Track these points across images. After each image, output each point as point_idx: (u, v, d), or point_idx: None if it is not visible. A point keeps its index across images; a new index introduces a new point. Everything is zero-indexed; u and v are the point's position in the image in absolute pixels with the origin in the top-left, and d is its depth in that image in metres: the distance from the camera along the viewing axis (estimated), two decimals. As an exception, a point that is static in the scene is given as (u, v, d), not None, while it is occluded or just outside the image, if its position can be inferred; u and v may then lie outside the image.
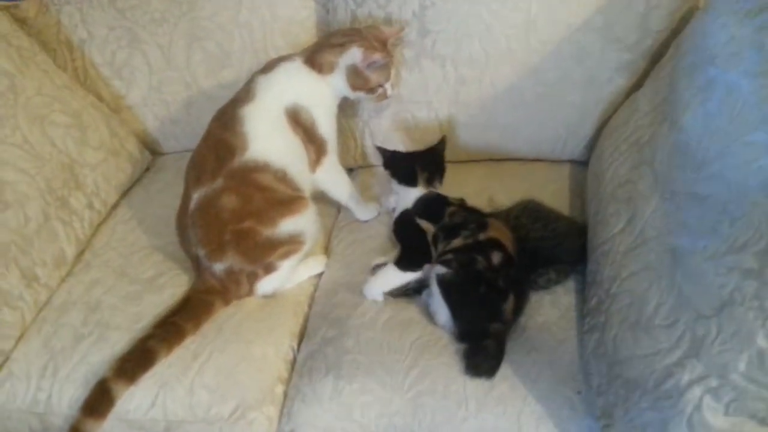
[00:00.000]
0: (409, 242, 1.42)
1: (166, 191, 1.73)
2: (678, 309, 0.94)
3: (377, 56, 1.41)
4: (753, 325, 0.81)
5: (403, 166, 1.50)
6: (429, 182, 1.48)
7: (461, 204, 1.45)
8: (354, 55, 1.42)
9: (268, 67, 1.46)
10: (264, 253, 1.37)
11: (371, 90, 1.48)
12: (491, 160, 1.72)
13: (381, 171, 1.57)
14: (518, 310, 1.27)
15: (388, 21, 1.53)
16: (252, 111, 1.38)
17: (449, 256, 1.28)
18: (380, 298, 1.37)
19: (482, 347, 1.22)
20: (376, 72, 1.45)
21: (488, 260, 1.25)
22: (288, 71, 1.45)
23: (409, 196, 1.47)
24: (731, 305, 0.85)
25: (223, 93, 1.70)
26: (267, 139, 1.37)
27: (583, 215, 1.47)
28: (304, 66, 1.45)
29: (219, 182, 1.33)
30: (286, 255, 1.39)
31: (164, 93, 1.79)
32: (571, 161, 1.68)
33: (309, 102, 1.44)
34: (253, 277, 1.39)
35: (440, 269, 1.27)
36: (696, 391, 0.87)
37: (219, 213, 1.33)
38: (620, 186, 1.23)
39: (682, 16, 1.42)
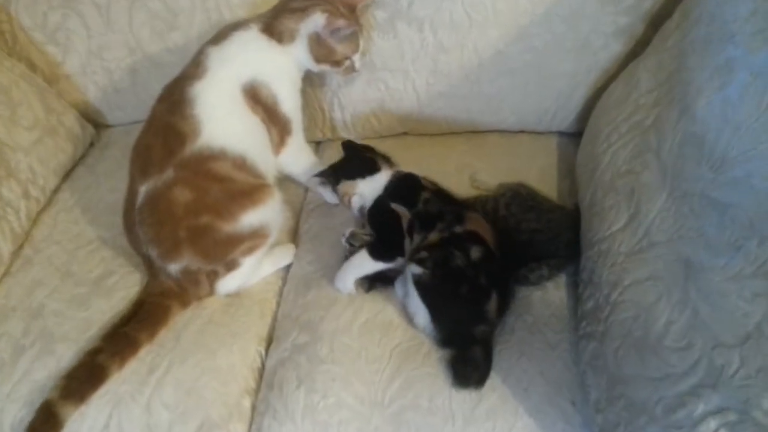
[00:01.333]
0: (384, 230, 1.28)
1: (114, 172, 1.56)
2: (693, 331, 0.84)
3: (342, 23, 1.25)
4: (785, 363, 0.71)
5: (356, 160, 1.35)
6: (388, 162, 1.35)
7: (436, 188, 1.31)
8: (316, 21, 1.26)
9: (220, 37, 1.28)
10: (224, 251, 1.23)
11: (337, 62, 1.32)
12: (473, 132, 1.59)
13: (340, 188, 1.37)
14: (503, 308, 1.17)
15: (357, -23, 1.35)
16: (203, 90, 1.22)
17: (424, 254, 1.16)
18: (353, 290, 1.25)
19: (469, 355, 1.12)
20: (342, 42, 1.29)
21: (467, 256, 1.14)
22: (243, 42, 1.27)
23: (377, 183, 1.31)
24: (758, 337, 0.75)
25: (172, 58, 1.54)
26: (222, 123, 1.22)
27: (573, 197, 1.36)
28: (261, 35, 1.28)
29: (169, 174, 1.17)
30: (249, 251, 1.26)
31: (105, 59, 1.59)
32: (559, 132, 1.55)
33: (269, 77, 1.28)
34: (213, 276, 1.26)
35: (416, 269, 1.15)
36: (711, 424, 0.79)
37: (171, 208, 1.18)
38: (620, 175, 1.11)
39: (685, -26, 1.27)
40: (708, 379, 0.80)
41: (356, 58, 1.34)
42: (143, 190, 1.20)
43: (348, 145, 1.39)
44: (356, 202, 1.32)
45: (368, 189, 1.31)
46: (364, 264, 1.25)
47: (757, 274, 0.76)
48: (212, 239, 1.21)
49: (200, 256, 1.22)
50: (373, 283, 1.27)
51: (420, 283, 1.15)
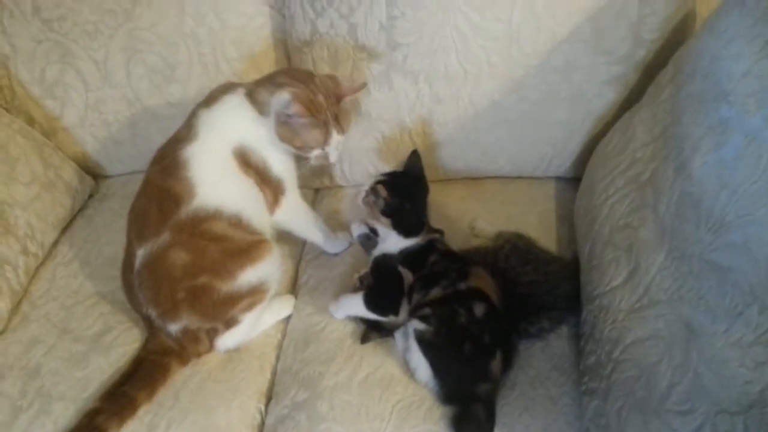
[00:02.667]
0: (383, 285, 1.28)
1: (113, 224, 1.56)
2: (695, 396, 0.83)
3: (299, 109, 1.17)
4: (789, 433, 0.71)
5: (412, 218, 1.29)
6: (427, 231, 1.32)
7: (445, 249, 1.30)
8: (281, 99, 1.19)
9: (211, 100, 1.26)
10: (223, 309, 1.22)
11: (299, 149, 1.25)
12: (470, 178, 1.58)
13: (361, 204, 1.33)
14: (506, 366, 1.16)
15: (352, 32, 1.36)
16: (196, 152, 1.21)
17: (427, 310, 1.15)
18: (343, 317, 1.29)
19: (471, 413, 1.10)
20: (302, 130, 1.22)
21: (470, 312, 1.13)
22: (231, 107, 1.24)
23: (400, 243, 1.29)
24: (762, 406, 0.74)
25: (171, 111, 1.56)
26: (216, 184, 1.21)
27: (572, 243, 1.35)
28: (246, 101, 1.24)
29: (165, 237, 1.16)
30: (249, 307, 1.25)
31: (103, 112, 1.59)
32: (557, 177, 1.55)
33: (256, 143, 1.26)
34: (213, 333, 1.25)
35: (419, 325, 1.14)
36: (716, 490, 0.77)
37: (168, 271, 1.17)
38: (618, 230, 1.11)
39: (677, 25, 1.29)
40: (712, 445, 0.79)
41: (330, 150, 1.28)
42: (141, 253, 1.18)
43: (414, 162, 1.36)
44: (356, 229, 1.38)
45: (389, 239, 1.30)
46: (357, 307, 1.25)
47: (759, 341, 0.76)
48: (210, 299, 1.20)
49: (199, 315, 1.21)
50: (369, 333, 1.26)
51: (423, 340, 1.13)
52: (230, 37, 1.49)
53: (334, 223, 1.53)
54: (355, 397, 1.17)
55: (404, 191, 1.29)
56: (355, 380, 1.19)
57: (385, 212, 1.28)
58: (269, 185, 1.30)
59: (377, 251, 1.33)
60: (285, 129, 1.22)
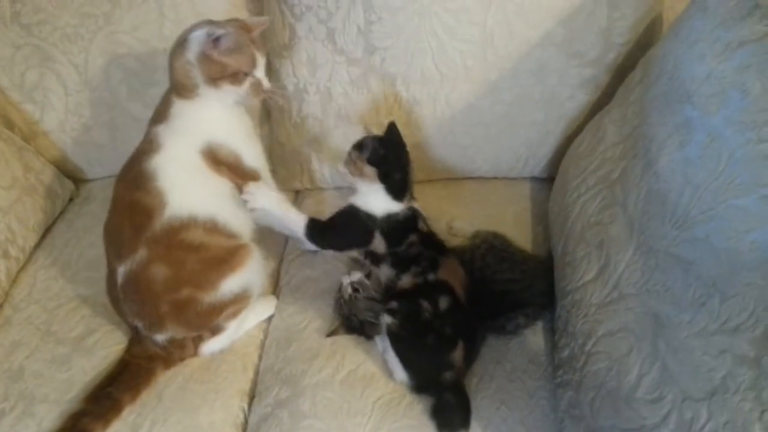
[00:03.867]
0: (341, 225, 1.30)
1: (94, 228, 1.54)
2: (663, 384, 0.87)
3: (221, 30, 1.15)
4: (749, 417, 0.74)
5: (398, 173, 1.29)
6: (411, 197, 1.34)
7: (426, 233, 1.31)
8: (197, 39, 1.17)
9: (161, 117, 1.25)
10: (208, 319, 1.24)
11: (234, 79, 1.20)
12: (449, 179, 1.62)
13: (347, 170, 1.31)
14: (471, 355, 1.20)
15: (331, 36, 1.38)
16: (162, 162, 1.19)
17: (394, 304, 1.19)
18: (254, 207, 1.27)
19: (443, 402, 1.14)
20: (231, 54, 1.18)
21: (435, 306, 1.17)
22: (181, 115, 1.23)
23: (385, 204, 1.28)
24: (724, 392, 0.78)
25: (151, 113, 1.53)
26: (187, 189, 1.19)
27: (547, 242, 1.39)
28: (182, 101, 1.23)
29: (142, 253, 1.15)
30: (233, 315, 1.27)
31: (83, 116, 1.60)
32: (532, 178, 1.59)
33: (222, 136, 1.25)
34: (198, 340, 1.26)
35: (387, 318, 1.18)
36: (684, 475, 0.81)
37: (150, 286, 1.17)
38: (589, 227, 1.14)
39: (645, 28, 1.34)
40: (679, 431, 0.83)
41: (260, 75, 1.25)
42: (121, 270, 1.18)
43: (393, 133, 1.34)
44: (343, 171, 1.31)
45: (374, 198, 1.29)
46: (294, 224, 1.30)
47: (720, 331, 0.79)
48: (194, 311, 1.20)
49: (184, 327, 1.22)
50: (337, 329, 1.29)
51: (391, 333, 1.18)
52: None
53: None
54: (337, 394, 1.19)
55: (389, 148, 1.29)
56: (337, 378, 1.21)
57: (371, 160, 1.26)
58: (245, 178, 1.28)
59: (355, 201, 1.30)
60: (212, 65, 1.18)
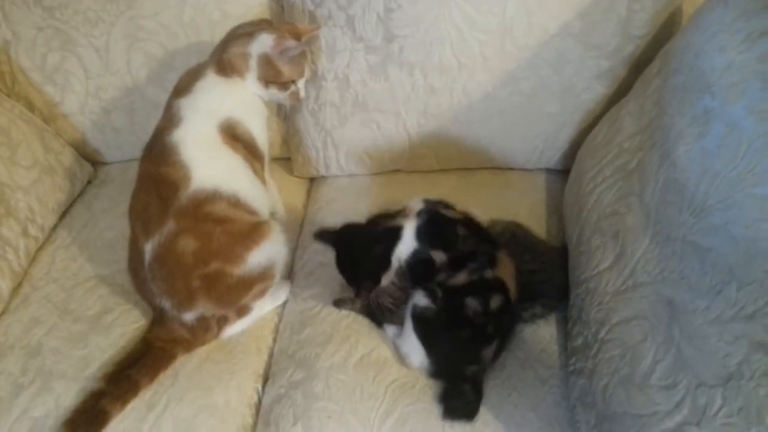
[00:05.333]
0: (420, 277, 1.20)
1: (112, 210, 1.59)
2: (677, 371, 0.88)
3: (291, 43, 1.27)
4: (764, 402, 0.75)
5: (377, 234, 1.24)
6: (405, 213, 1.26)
7: (465, 217, 1.26)
8: (264, 41, 1.28)
9: (183, 90, 1.28)
10: (237, 295, 1.25)
11: (284, 85, 1.33)
12: (463, 169, 1.62)
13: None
14: (499, 352, 1.19)
15: (350, 23, 1.39)
16: (183, 136, 1.23)
17: (438, 291, 1.15)
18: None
19: (458, 390, 1.14)
20: (290, 63, 1.31)
21: (485, 304, 1.13)
22: (206, 90, 1.28)
23: (407, 239, 1.21)
24: (738, 378, 0.78)
25: None
26: (209, 164, 1.22)
27: (561, 233, 1.40)
28: (218, 77, 1.29)
29: (170, 226, 1.17)
30: (261, 293, 1.29)
31: (103, 99, 1.62)
32: (547, 169, 1.60)
33: (241, 115, 1.30)
34: (223, 322, 1.28)
35: (422, 300, 1.15)
36: (696, 461, 0.82)
37: (180, 260, 1.18)
38: (605, 217, 1.15)
39: (664, 21, 1.33)
40: (692, 417, 0.83)
41: (301, 85, 1.37)
42: (149, 248, 1.19)
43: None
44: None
45: (402, 252, 1.21)
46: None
47: (736, 317, 0.80)
48: (225, 285, 1.21)
49: (215, 302, 1.22)
50: (344, 300, 1.31)
51: (422, 316, 1.15)
52: (229, 26, 1.49)
53: (329, 212, 1.57)
54: (351, 377, 1.20)
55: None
56: (351, 361, 1.22)
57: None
58: (257, 158, 1.33)
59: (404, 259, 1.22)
60: (269, 69, 1.30)
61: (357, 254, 1.24)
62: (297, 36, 1.31)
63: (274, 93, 1.34)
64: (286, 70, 1.31)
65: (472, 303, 1.13)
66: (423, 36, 1.37)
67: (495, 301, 1.14)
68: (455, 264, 1.18)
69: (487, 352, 1.15)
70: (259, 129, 1.34)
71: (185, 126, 1.23)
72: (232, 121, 1.27)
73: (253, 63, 1.29)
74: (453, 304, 1.14)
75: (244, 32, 1.30)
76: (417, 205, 1.26)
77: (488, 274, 1.16)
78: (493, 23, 1.34)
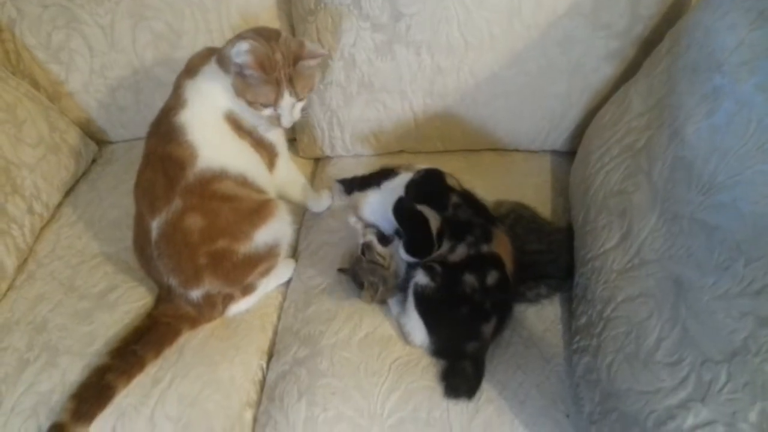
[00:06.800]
0: (412, 230, 1.19)
1: (116, 188, 1.59)
2: (682, 347, 0.88)
3: (249, 61, 1.15)
4: (769, 377, 0.75)
5: (377, 173, 1.36)
6: (408, 168, 1.35)
7: (462, 190, 1.29)
8: (238, 48, 1.15)
9: (192, 71, 1.27)
10: (244, 273, 1.26)
11: (251, 104, 1.22)
12: (468, 150, 1.62)
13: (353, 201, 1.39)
14: (499, 329, 1.20)
15: (357, 2, 1.38)
16: (190, 117, 1.22)
17: (437, 267, 1.16)
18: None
19: (459, 368, 1.15)
20: (255, 84, 1.19)
21: (482, 279, 1.14)
22: (210, 77, 1.25)
23: (395, 186, 1.28)
24: (744, 353, 0.78)
25: (175, 77, 1.56)
26: (216, 145, 1.22)
27: (566, 215, 1.39)
28: (218, 68, 1.25)
29: (177, 203, 1.17)
30: (266, 272, 1.29)
31: (108, 78, 1.62)
32: (553, 151, 1.59)
33: (242, 109, 1.26)
34: (228, 300, 1.28)
35: (422, 278, 1.16)
36: (700, 437, 0.82)
37: (186, 237, 1.18)
38: (612, 195, 1.15)
39: (673, 2, 1.32)
40: (697, 393, 0.83)
41: (282, 112, 1.24)
42: (155, 225, 1.19)
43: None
44: (352, 220, 1.34)
45: (385, 196, 1.26)
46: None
47: (743, 293, 0.80)
48: (231, 262, 1.21)
49: (221, 280, 1.23)
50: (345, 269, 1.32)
51: (423, 294, 1.16)
52: (236, 5, 1.51)
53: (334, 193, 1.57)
54: (355, 355, 1.20)
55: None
56: (355, 339, 1.23)
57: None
58: (264, 149, 1.32)
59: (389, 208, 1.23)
60: (239, 81, 1.19)
61: (362, 181, 1.42)
62: (293, 55, 1.20)
63: (245, 108, 1.24)
64: (248, 91, 1.20)
65: (469, 279, 1.14)
66: (430, 14, 1.36)
67: (491, 277, 1.14)
68: (454, 232, 1.19)
69: (486, 329, 1.15)
70: (261, 122, 1.30)
71: (191, 109, 1.23)
72: (234, 113, 1.26)
73: (231, 68, 1.20)
74: (452, 281, 1.14)
75: (240, 35, 1.22)
76: (423, 165, 1.32)
77: (484, 248, 1.17)
78: (502, 2, 1.33)
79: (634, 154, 1.12)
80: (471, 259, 1.16)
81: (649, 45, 1.32)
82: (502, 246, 1.19)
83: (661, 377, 0.90)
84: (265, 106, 1.22)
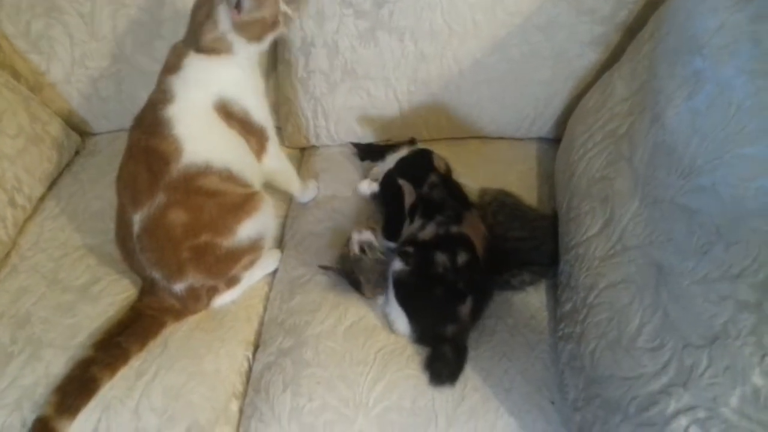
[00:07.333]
0: (390, 207, 1.34)
1: (99, 180, 1.57)
2: (663, 332, 0.88)
3: None
4: (749, 361, 0.75)
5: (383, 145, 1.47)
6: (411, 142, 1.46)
7: (446, 171, 1.34)
8: (222, 12, 1.19)
9: (173, 67, 1.24)
10: (227, 267, 1.25)
11: (274, 26, 1.25)
12: (453, 138, 1.61)
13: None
14: (478, 311, 1.20)
15: (340, -10, 1.37)
16: (177, 111, 1.20)
17: (410, 248, 1.19)
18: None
19: (440, 353, 1.15)
20: (260, 8, 1.20)
21: (452, 259, 1.16)
22: (194, 67, 1.23)
23: (391, 160, 1.41)
24: (725, 338, 0.78)
25: (157, 67, 1.50)
26: (202, 138, 1.20)
27: (552, 202, 1.39)
28: (202, 56, 1.23)
29: (160, 198, 1.16)
30: (249, 265, 1.29)
31: (90, 68, 1.60)
32: (538, 138, 1.59)
33: (233, 92, 1.26)
34: (213, 292, 1.28)
35: (398, 264, 1.18)
36: (682, 422, 0.82)
37: (169, 232, 1.17)
38: (595, 182, 1.15)
39: (658, -14, 1.31)
40: (678, 378, 0.83)
41: (284, 7, 1.26)
42: (137, 218, 1.17)
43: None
44: (363, 186, 1.43)
45: (383, 168, 1.40)
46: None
47: (723, 277, 0.80)
48: (214, 256, 1.21)
49: (204, 273, 1.22)
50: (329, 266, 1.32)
51: (399, 280, 1.18)
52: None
53: (321, 183, 1.57)
54: (340, 344, 1.20)
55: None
56: (340, 328, 1.23)
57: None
58: (254, 134, 1.31)
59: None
60: (250, 27, 1.21)
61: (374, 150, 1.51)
62: None
63: (271, 36, 1.27)
64: (262, 14, 1.22)
65: (440, 258, 1.16)
66: (413, 1, 1.35)
67: (462, 257, 1.16)
68: (426, 211, 1.24)
69: (463, 310, 1.15)
70: (255, 105, 1.30)
71: (178, 103, 1.21)
72: (225, 100, 1.24)
73: (233, 38, 1.22)
74: (423, 260, 1.16)
75: (202, 15, 1.23)
76: (419, 145, 1.47)
77: (453, 229, 1.19)
78: (485, -12, 1.32)
79: (617, 140, 1.12)
80: (440, 239, 1.19)
81: (633, 30, 1.32)
82: (473, 229, 1.21)
83: (643, 363, 0.90)
84: (277, 14, 1.24)
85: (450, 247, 1.18)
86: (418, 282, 1.16)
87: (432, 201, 1.25)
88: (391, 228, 1.31)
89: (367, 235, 1.29)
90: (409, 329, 1.18)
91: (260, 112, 1.32)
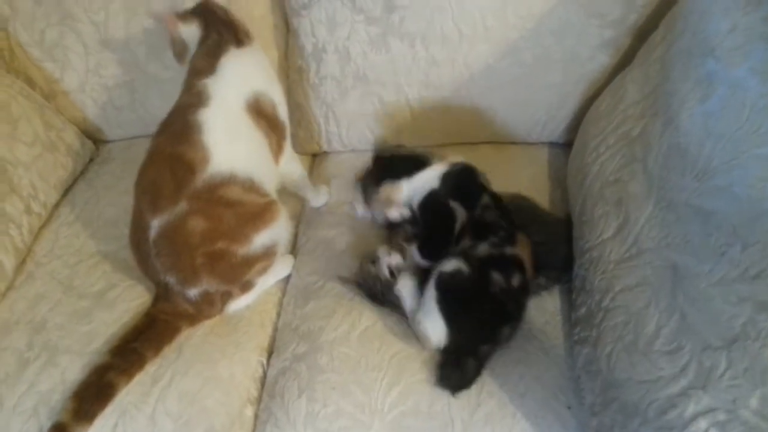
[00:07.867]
0: (437, 227, 1.23)
1: (114, 187, 1.58)
2: (681, 335, 0.88)
3: None
4: (769, 363, 0.75)
5: (398, 160, 1.35)
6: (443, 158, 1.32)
7: (491, 191, 1.27)
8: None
9: (207, 69, 1.25)
10: (241, 273, 1.25)
11: None
12: (465, 143, 1.61)
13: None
14: (512, 335, 1.17)
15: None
16: (211, 116, 1.20)
17: (470, 253, 1.16)
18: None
19: (461, 363, 1.13)
20: None
21: (507, 280, 1.13)
22: (235, 64, 1.26)
23: (429, 177, 1.27)
24: (744, 339, 0.78)
25: (170, 74, 1.56)
26: (230, 146, 1.20)
27: (564, 207, 1.39)
28: (238, 50, 1.28)
29: (182, 206, 1.15)
30: (263, 270, 1.29)
31: (103, 76, 1.61)
32: (550, 143, 1.59)
33: (264, 84, 1.29)
34: (227, 297, 1.28)
35: (451, 264, 1.13)
36: (702, 424, 0.82)
37: (187, 239, 1.17)
38: (608, 185, 1.14)
39: (667, -10, 1.31)
40: (697, 381, 0.83)
41: None
42: (156, 224, 1.17)
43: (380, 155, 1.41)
44: (395, 213, 1.30)
45: (417, 186, 1.27)
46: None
47: (741, 278, 0.79)
48: (229, 263, 1.21)
49: (218, 279, 1.22)
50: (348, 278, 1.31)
51: (451, 281, 1.13)
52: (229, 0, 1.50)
53: (333, 189, 1.58)
54: (354, 350, 1.20)
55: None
56: (354, 334, 1.23)
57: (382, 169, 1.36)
58: (276, 131, 1.32)
59: (417, 200, 1.28)
60: None
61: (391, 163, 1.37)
62: None
63: None
64: None
65: (497, 277, 1.12)
66: (424, 6, 1.35)
67: (515, 279, 1.14)
68: (477, 232, 1.19)
69: (504, 332, 1.14)
70: (279, 94, 1.34)
71: (214, 106, 1.21)
72: (257, 94, 1.26)
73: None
74: (481, 275, 1.13)
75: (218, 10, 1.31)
76: (457, 158, 1.31)
77: (509, 250, 1.16)
78: (495, -8, 1.32)
79: (630, 143, 1.12)
80: (496, 258, 1.15)
81: (644, 33, 1.31)
82: (524, 250, 1.19)
83: (661, 366, 0.89)
84: None
85: (505, 268, 1.14)
86: (473, 293, 1.13)
87: (484, 223, 1.20)
88: (431, 248, 1.24)
89: (397, 259, 1.27)
90: (445, 339, 1.14)
91: (283, 105, 1.35)
